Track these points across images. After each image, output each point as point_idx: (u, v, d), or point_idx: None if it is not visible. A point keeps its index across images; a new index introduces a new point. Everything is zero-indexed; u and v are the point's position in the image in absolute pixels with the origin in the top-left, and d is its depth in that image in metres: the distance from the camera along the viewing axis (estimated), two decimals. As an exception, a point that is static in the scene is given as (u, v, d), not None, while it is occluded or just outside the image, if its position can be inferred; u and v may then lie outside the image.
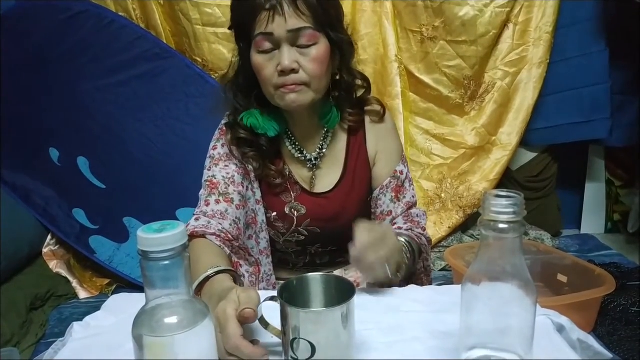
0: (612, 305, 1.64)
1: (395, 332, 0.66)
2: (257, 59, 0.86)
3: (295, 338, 0.53)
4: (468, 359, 0.54)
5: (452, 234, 2.27)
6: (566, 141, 2.25)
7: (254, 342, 0.57)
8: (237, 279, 0.76)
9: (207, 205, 0.90)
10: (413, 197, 1.01)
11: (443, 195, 2.27)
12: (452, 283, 1.85)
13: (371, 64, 2.17)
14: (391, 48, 2.13)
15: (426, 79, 2.18)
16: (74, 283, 2.00)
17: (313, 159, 0.97)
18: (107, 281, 2.04)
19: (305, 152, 0.97)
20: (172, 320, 0.47)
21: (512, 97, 2.18)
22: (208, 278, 0.70)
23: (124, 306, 0.74)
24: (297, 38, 0.83)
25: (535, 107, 2.18)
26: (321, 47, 0.85)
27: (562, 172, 2.37)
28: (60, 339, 0.69)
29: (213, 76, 2.01)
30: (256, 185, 0.97)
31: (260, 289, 0.95)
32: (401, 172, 1.00)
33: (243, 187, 0.94)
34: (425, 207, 2.25)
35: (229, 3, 0.91)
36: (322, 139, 0.98)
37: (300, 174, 0.98)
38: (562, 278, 1.68)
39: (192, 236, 0.83)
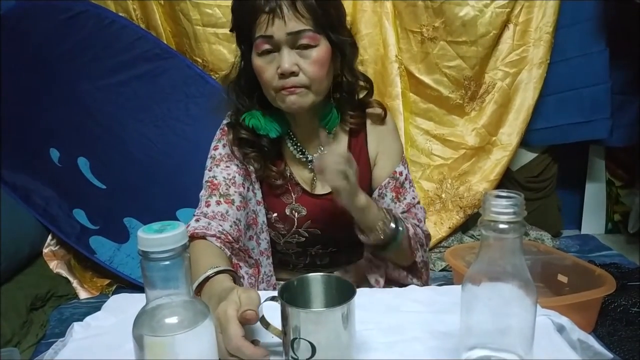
0: (612, 306, 1.64)
1: (396, 332, 0.66)
2: (257, 61, 0.86)
3: (296, 338, 0.53)
4: (468, 359, 0.54)
5: (452, 234, 2.27)
6: (566, 141, 2.25)
7: (255, 342, 0.58)
8: (236, 279, 0.76)
9: (208, 206, 0.90)
10: (414, 198, 1.01)
11: (443, 195, 2.27)
12: (452, 283, 1.84)
13: (371, 65, 2.17)
14: (391, 48, 2.13)
15: (426, 79, 2.18)
16: (75, 283, 2.00)
17: (314, 160, 0.97)
18: (107, 281, 2.04)
19: (306, 153, 0.97)
20: (172, 320, 0.47)
21: (513, 97, 2.18)
22: (208, 278, 0.70)
23: (124, 306, 0.74)
24: (297, 40, 0.83)
25: (536, 107, 2.18)
26: (321, 49, 0.85)
27: (562, 172, 2.37)
28: (61, 339, 0.69)
29: (213, 76, 2.01)
30: (257, 186, 0.97)
31: (260, 290, 0.95)
32: (400, 173, 1.00)
33: (244, 187, 0.94)
34: (425, 208, 2.25)
35: (229, 3, 0.91)
36: (323, 140, 0.98)
37: (301, 175, 0.98)
38: (563, 278, 1.68)
39: (193, 237, 0.83)
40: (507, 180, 2.33)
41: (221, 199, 0.90)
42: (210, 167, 0.95)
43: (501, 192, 0.51)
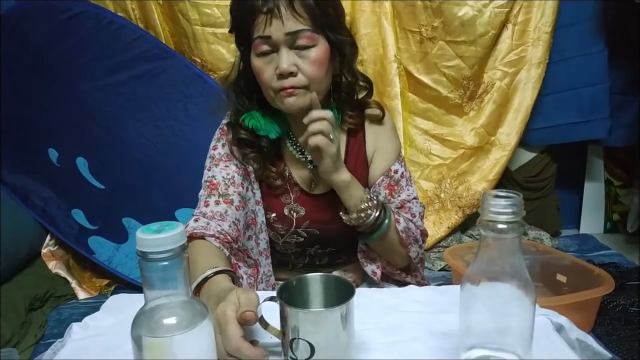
0: (611, 305, 1.64)
1: (395, 332, 0.66)
2: (256, 62, 0.86)
3: (295, 338, 0.53)
4: (467, 359, 0.54)
5: (451, 234, 2.27)
6: (565, 141, 2.25)
7: (254, 342, 0.58)
8: (235, 279, 0.76)
9: (207, 206, 0.90)
10: (409, 195, 1.00)
11: (442, 195, 2.27)
12: (451, 283, 1.84)
13: (370, 64, 2.17)
14: (390, 48, 2.13)
15: (425, 79, 2.18)
16: (73, 283, 1.99)
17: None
18: (106, 282, 2.03)
19: (306, 153, 0.97)
20: (171, 320, 0.47)
21: (511, 97, 2.18)
22: (206, 279, 0.70)
23: (123, 307, 0.74)
24: (295, 40, 0.83)
25: (534, 107, 2.18)
26: (320, 49, 0.85)
27: (561, 172, 2.37)
28: (59, 340, 0.69)
29: (212, 76, 2.01)
30: (256, 186, 0.97)
31: (259, 290, 0.95)
32: (395, 171, 0.99)
33: (243, 187, 0.94)
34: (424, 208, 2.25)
35: (227, 3, 0.91)
36: None
37: (300, 175, 0.98)
38: (561, 278, 1.68)
39: (191, 237, 0.83)
40: (506, 180, 2.33)
41: (220, 199, 0.90)
42: (210, 167, 0.95)
43: (500, 192, 0.51)
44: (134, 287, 1.95)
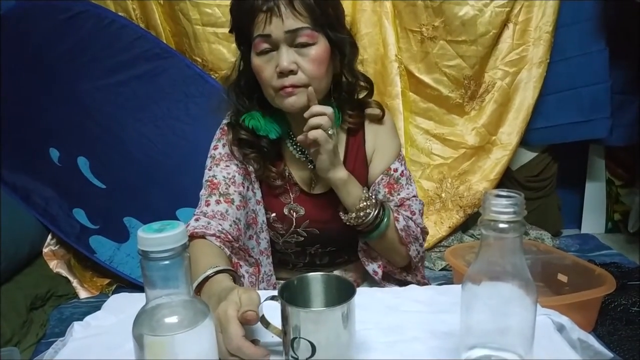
0: (612, 305, 1.64)
1: (396, 332, 0.66)
2: (256, 61, 0.86)
3: (296, 337, 0.53)
4: (468, 358, 0.54)
5: (452, 233, 2.27)
6: (566, 141, 2.25)
7: (255, 341, 0.58)
8: (236, 278, 0.76)
9: (208, 205, 0.90)
10: (409, 193, 1.00)
11: (443, 195, 2.27)
12: (452, 283, 1.84)
13: (371, 64, 2.17)
14: (391, 48, 2.13)
15: (426, 78, 2.18)
16: (74, 283, 1.99)
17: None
18: (107, 281, 2.04)
19: (306, 152, 0.97)
20: (172, 319, 0.47)
21: (512, 96, 2.18)
22: (207, 278, 0.70)
23: (124, 306, 0.74)
24: (295, 38, 0.83)
25: (535, 106, 2.17)
26: (320, 47, 0.85)
27: (562, 171, 2.37)
28: (61, 339, 0.69)
29: (213, 76, 2.01)
30: (257, 185, 0.97)
31: (260, 289, 0.95)
32: (395, 170, 0.99)
33: (244, 187, 0.94)
34: (425, 207, 2.25)
35: (228, 3, 0.91)
36: None
37: (300, 175, 0.98)
38: (563, 278, 1.68)
39: (192, 237, 0.83)
40: (507, 179, 2.33)
41: (221, 198, 0.90)
42: (210, 167, 0.95)
43: (501, 192, 0.51)
44: (135, 287, 1.95)
